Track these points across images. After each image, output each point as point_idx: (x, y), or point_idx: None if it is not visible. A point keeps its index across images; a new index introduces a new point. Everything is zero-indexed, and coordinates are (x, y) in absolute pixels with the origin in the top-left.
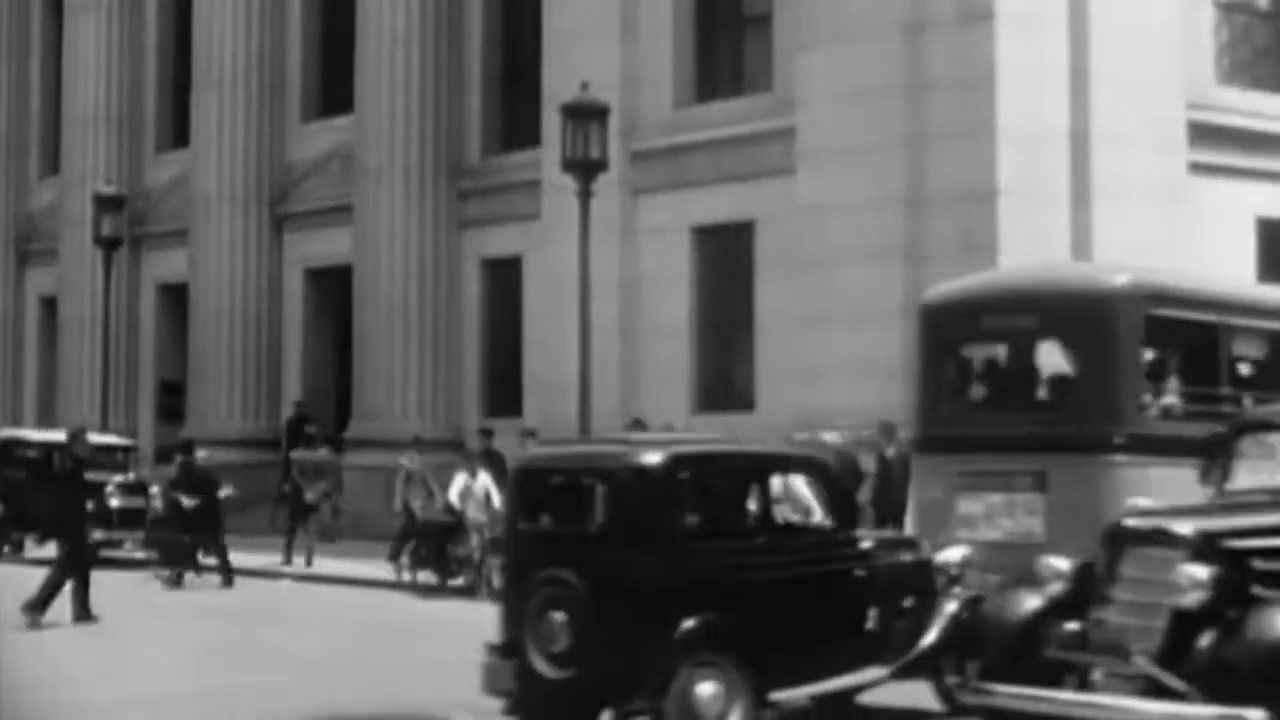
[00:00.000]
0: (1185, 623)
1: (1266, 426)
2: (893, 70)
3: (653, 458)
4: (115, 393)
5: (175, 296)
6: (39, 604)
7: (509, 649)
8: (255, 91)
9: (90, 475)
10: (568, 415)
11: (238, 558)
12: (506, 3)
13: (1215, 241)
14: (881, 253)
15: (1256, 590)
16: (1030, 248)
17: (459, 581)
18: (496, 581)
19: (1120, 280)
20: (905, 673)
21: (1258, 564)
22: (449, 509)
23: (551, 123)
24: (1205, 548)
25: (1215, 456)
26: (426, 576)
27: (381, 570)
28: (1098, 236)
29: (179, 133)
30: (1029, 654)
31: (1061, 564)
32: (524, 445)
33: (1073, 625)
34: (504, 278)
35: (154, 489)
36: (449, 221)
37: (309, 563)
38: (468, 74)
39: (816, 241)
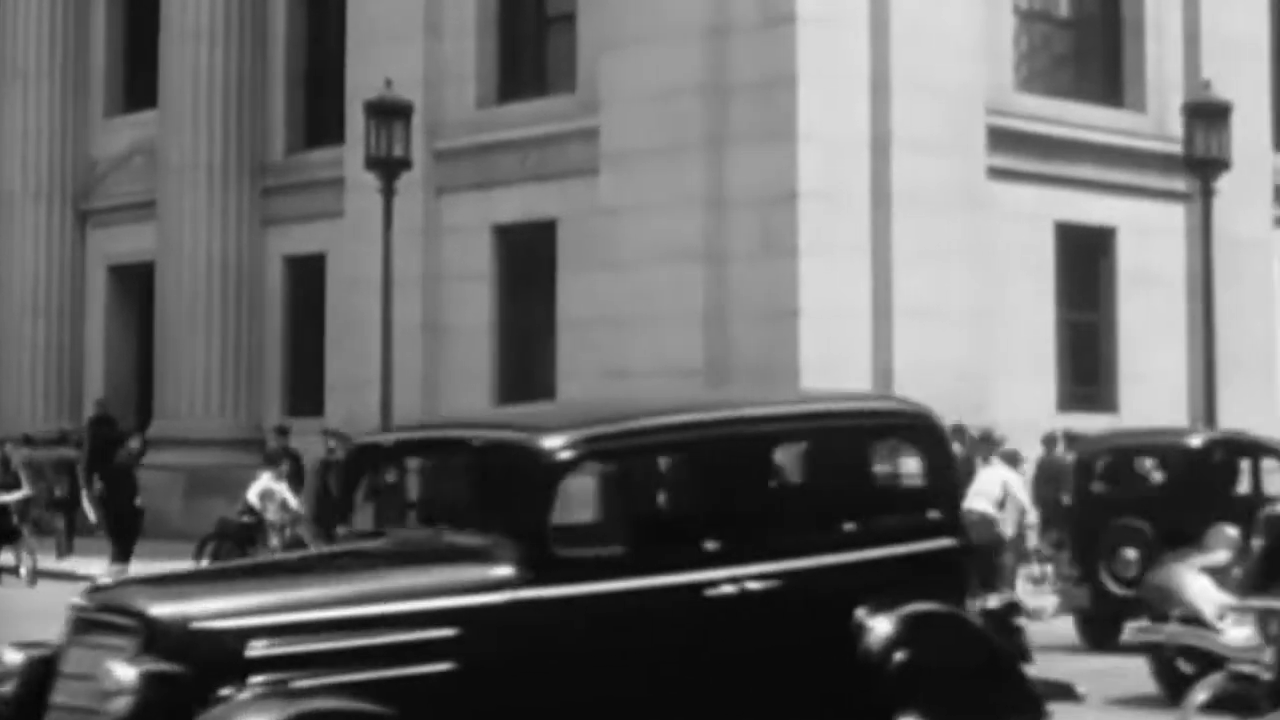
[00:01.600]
0: None
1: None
2: (695, 72)
3: (1197, 440)
4: None
5: None
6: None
7: (1082, 578)
8: (59, 85)
9: None
10: (369, 414)
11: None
12: (311, 0)
13: (1013, 246)
14: (683, 254)
15: (257, 680)
16: (829, 250)
17: None
18: None
19: None
20: None
21: (261, 648)
22: (249, 509)
23: (355, 120)
24: (167, 633)
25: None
26: None
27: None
28: (897, 239)
29: None
30: None
31: (13, 655)
32: (326, 444)
33: None
34: (307, 275)
35: None
36: (252, 218)
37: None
38: (272, 71)
39: (618, 242)
